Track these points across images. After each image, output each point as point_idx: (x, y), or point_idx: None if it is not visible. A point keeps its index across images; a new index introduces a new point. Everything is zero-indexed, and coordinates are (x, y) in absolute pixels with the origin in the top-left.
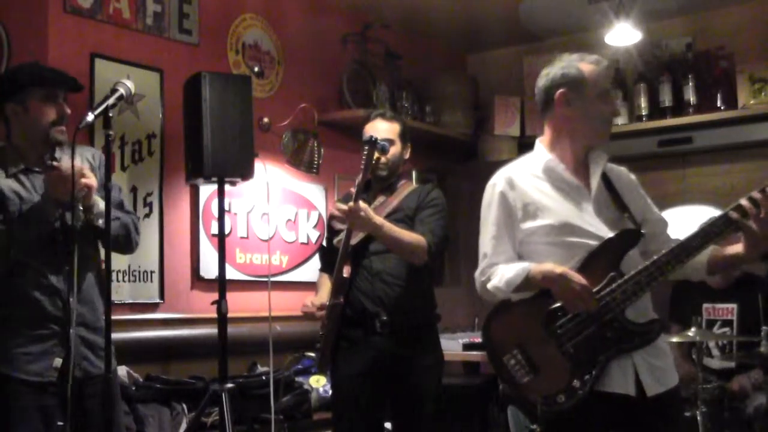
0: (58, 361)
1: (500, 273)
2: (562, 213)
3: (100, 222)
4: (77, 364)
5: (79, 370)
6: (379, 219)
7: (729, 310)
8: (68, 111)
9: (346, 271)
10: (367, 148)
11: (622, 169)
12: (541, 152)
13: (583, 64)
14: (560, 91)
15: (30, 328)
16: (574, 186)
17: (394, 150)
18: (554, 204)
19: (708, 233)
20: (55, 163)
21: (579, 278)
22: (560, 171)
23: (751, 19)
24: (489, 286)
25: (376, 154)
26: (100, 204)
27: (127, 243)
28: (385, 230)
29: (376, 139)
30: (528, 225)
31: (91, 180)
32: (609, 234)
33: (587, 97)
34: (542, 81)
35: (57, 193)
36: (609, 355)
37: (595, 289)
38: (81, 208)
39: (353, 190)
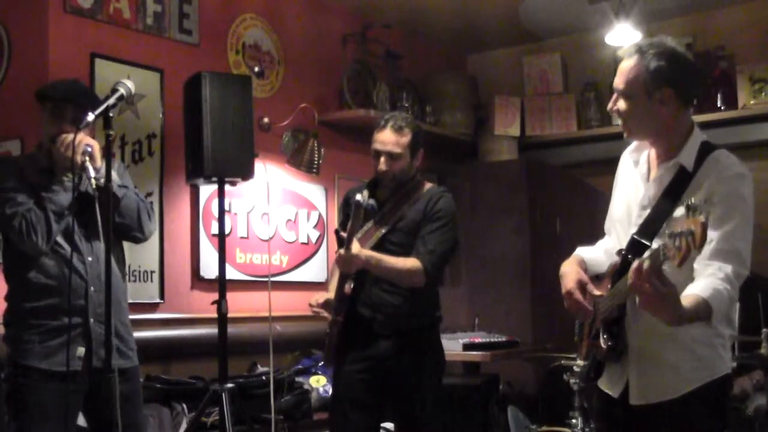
0: (81, 351)
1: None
2: (618, 204)
3: (116, 188)
4: (96, 354)
5: (97, 360)
6: (369, 256)
7: None
8: (69, 132)
9: (348, 288)
10: (354, 209)
11: (725, 169)
12: None
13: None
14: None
15: (53, 320)
16: (640, 177)
17: (402, 163)
18: (621, 192)
19: None
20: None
21: (571, 277)
22: (639, 157)
23: (751, 19)
24: None
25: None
26: (114, 174)
27: (138, 223)
28: (373, 264)
29: (364, 201)
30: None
31: (92, 141)
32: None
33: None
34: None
35: (64, 162)
36: (594, 356)
37: (598, 293)
38: (92, 174)
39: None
